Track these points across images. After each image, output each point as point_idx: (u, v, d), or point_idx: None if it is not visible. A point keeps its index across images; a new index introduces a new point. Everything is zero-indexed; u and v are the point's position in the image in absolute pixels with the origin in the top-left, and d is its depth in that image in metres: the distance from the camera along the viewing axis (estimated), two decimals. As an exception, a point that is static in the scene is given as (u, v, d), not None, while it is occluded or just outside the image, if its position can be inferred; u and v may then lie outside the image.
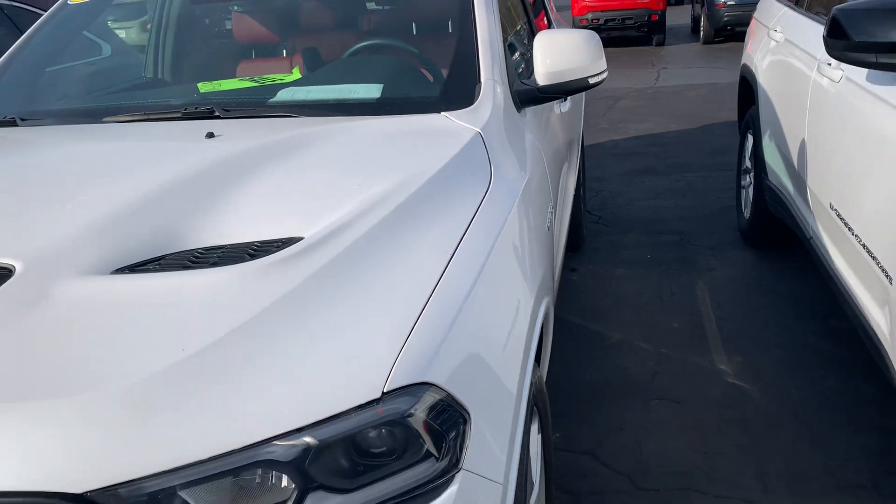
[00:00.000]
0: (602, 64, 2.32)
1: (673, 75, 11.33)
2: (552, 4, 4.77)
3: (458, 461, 1.21)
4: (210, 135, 1.87)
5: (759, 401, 2.96)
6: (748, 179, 4.53)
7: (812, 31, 3.33)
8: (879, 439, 2.67)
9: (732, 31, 13.97)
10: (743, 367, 3.20)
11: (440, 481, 1.19)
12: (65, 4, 2.80)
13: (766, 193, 3.99)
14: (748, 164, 4.53)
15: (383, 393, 1.14)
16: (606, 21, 14.81)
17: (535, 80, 2.29)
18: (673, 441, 2.76)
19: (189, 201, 1.52)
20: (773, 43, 3.96)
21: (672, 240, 4.67)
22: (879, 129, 2.35)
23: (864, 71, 2.51)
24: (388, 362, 1.17)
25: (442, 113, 2.02)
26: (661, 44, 15.12)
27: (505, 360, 1.46)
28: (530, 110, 2.41)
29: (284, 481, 1.12)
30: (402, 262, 1.39)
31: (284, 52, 2.84)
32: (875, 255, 2.32)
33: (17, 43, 2.69)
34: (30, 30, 2.73)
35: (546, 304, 1.88)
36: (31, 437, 1.03)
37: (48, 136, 2.14)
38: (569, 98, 3.11)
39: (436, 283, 1.35)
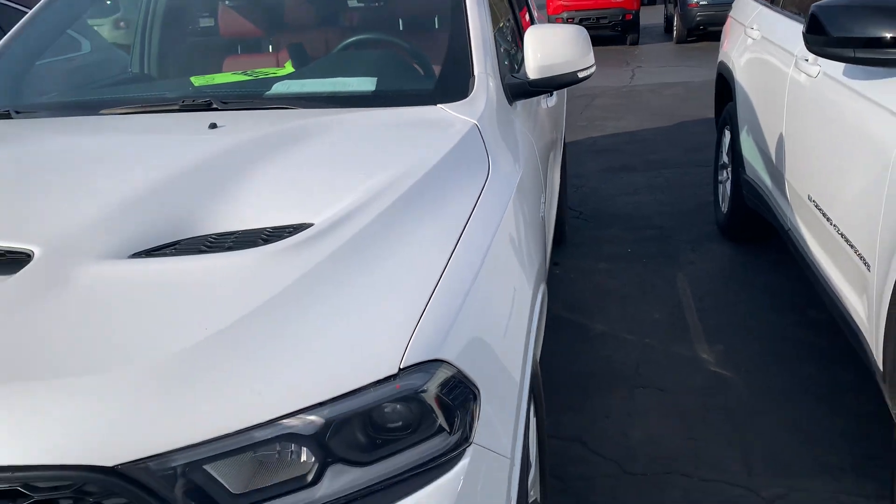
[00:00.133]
0: (590, 58, 2.38)
1: (647, 74, 11.47)
2: (533, 2, 4.84)
3: (469, 435, 1.26)
4: (213, 125, 1.90)
5: (741, 389, 3.04)
6: (725, 175, 4.63)
7: (789, 29, 3.42)
8: (858, 424, 2.76)
9: (705, 31, 14.19)
10: (724, 356, 3.28)
11: (452, 454, 1.23)
12: None
13: (744, 188, 4.09)
14: (725, 159, 4.63)
15: (400, 369, 1.18)
16: (581, 20, 14.92)
17: (525, 73, 2.34)
18: (658, 428, 2.83)
19: (199, 189, 1.56)
20: (750, 40, 4.06)
21: (652, 234, 4.75)
22: (857, 122, 2.43)
23: (842, 66, 2.60)
24: (404, 340, 1.21)
25: (438, 105, 2.07)
26: (636, 43, 15.30)
27: (508, 342, 1.51)
28: (520, 104, 2.46)
29: (304, 455, 1.16)
30: (409, 248, 1.43)
31: (275, 46, 2.87)
32: (853, 243, 2.40)
33: (6, 37, 2.69)
34: (20, 23, 2.73)
35: (542, 290, 1.93)
36: (63, 412, 1.06)
37: (48, 127, 2.16)
38: (555, 93, 3.17)
39: (443, 267, 1.39)
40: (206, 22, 3.22)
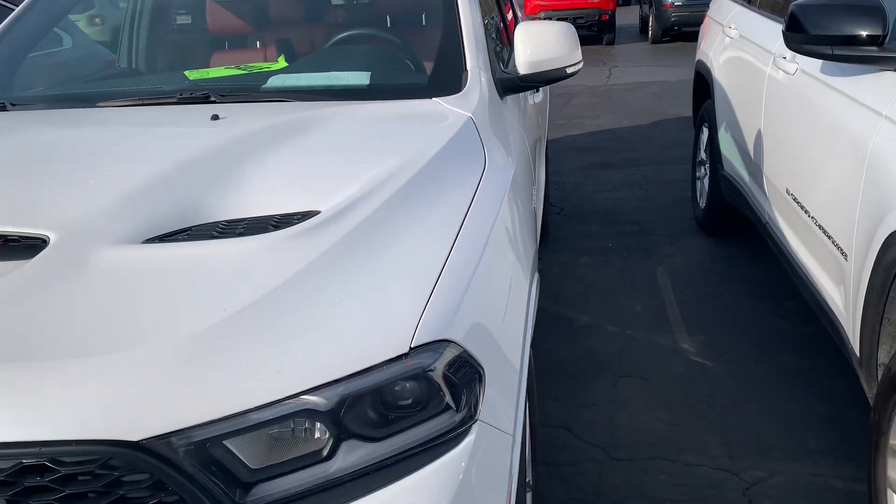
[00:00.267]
0: (578, 55, 2.44)
1: (624, 73, 11.60)
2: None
3: (474, 413, 1.31)
4: (215, 117, 1.94)
5: (721, 377, 3.12)
6: (703, 171, 4.72)
7: (766, 28, 3.52)
8: (834, 409, 2.86)
9: (679, 31, 14.38)
10: (704, 346, 3.37)
11: (459, 431, 1.28)
12: None
13: (722, 183, 4.18)
14: (703, 155, 4.73)
15: (411, 348, 1.23)
16: (558, 20, 15.02)
17: (515, 69, 2.40)
18: (642, 415, 2.90)
19: (207, 178, 1.60)
20: (728, 39, 4.15)
21: (632, 229, 4.84)
22: (834, 117, 2.52)
23: (819, 63, 2.69)
24: (414, 321, 1.26)
25: (433, 99, 2.12)
26: (612, 43, 15.45)
27: (508, 326, 1.56)
28: (510, 98, 2.52)
29: (319, 432, 1.20)
30: (413, 234, 1.48)
31: (267, 42, 2.90)
32: (831, 234, 2.49)
33: (-2, 31, 2.70)
34: (10, 17, 2.73)
35: (536, 279, 1.99)
36: (88, 390, 1.10)
37: (50, 118, 2.18)
38: (540, 90, 3.24)
39: (447, 254, 1.45)
40: (195, 17, 3.25)
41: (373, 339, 1.23)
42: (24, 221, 1.41)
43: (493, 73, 2.39)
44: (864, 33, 2.26)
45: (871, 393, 2.24)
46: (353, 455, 1.20)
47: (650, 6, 15.36)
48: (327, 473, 1.19)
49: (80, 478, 1.10)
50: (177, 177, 1.59)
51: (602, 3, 15.05)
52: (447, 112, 2.03)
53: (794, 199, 2.88)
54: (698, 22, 5.29)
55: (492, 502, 1.34)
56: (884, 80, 2.27)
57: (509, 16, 4.27)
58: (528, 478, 1.90)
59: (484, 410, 1.34)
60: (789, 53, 2.92)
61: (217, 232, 1.42)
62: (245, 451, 1.16)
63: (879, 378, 2.13)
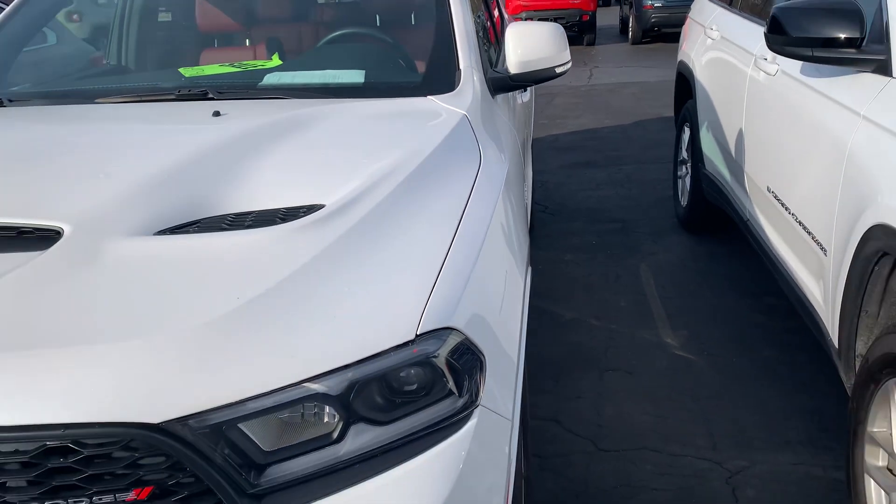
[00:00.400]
0: (567, 55, 2.50)
1: (605, 74, 11.72)
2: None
3: (476, 398, 1.37)
4: (217, 113, 1.98)
5: (705, 370, 3.20)
6: (685, 170, 4.81)
7: (747, 30, 3.60)
8: (813, 400, 2.94)
9: (659, 32, 14.53)
10: (687, 340, 3.45)
11: (461, 415, 1.34)
12: None
13: (704, 182, 4.27)
14: (685, 155, 4.81)
15: (416, 335, 1.29)
16: (539, 20, 15.12)
17: (505, 68, 2.45)
18: (628, 407, 2.97)
19: (213, 172, 1.64)
20: (709, 41, 4.24)
21: (615, 227, 4.92)
22: (813, 117, 2.60)
23: (799, 64, 2.77)
24: (419, 309, 1.32)
25: (428, 97, 2.17)
26: (592, 43, 15.57)
27: (505, 317, 1.62)
28: (500, 97, 2.58)
29: (329, 416, 1.25)
30: (415, 227, 1.54)
31: (258, 39, 2.93)
32: (811, 230, 2.57)
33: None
34: (3, 15, 2.75)
35: (529, 272, 2.05)
36: (110, 375, 1.14)
37: (49, 114, 2.20)
38: (528, 89, 3.30)
39: (448, 246, 1.50)
40: (186, 15, 3.27)
41: (380, 326, 1.28)
42: (38, 214, 1.44)
43: (485, 72, 2.45)
44: (842, 36, 2.35)
45: (849, 383, 2.32)
46: (361, 438, 1.25)
47: (630, 7, 15.51)
48: (337, 456, 1.24)
49: (101, 460, 1.14)
50: (184, 171, 1.63)
51: (583, 3, 15.18)
52: (442, 109, 2.09)
53: (775, 197, 2.96)
54: (678, 23, 5.37)
55: (492, 484, 1.40)
56: (861, 81, 2.35)
57: (495, 14, 4.33)
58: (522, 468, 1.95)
59: (484, 396, 1.39)
60: (770, 55, 3.00)
61: (226, 224, 1.47)
62: (259, 434, 1.21)
63: (857, 368, 2.21)
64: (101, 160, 1.73)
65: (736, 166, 3.58)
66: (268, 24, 2.94)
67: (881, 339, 2.02)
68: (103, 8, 4.04)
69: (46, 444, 1.12)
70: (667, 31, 14.11)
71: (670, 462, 2.64)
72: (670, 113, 5.58)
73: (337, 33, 2.63)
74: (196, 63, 2.75)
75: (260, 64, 2.57)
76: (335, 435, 1.24)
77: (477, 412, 1.36)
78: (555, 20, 15.09)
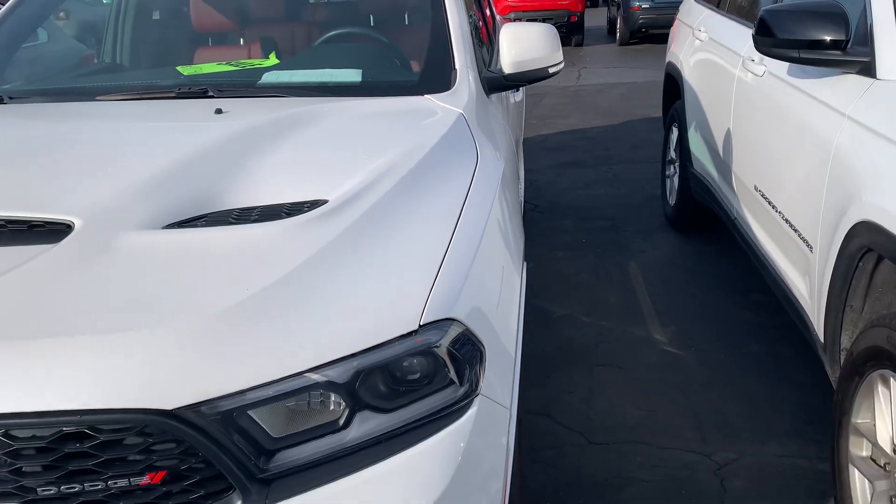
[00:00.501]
0: (560, 55, 2.56)
1: (593, 74, 11.79)
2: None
3: (476, 387, 1.41)
4: (219, 111, 2.02)
5: (693, 365, 3.26)
6: (673, 169, 4.88)
7: (735, 31, 3.67)
8: (799, 393, 3.01)
9: (647, 34, 14.63)
10: (676, 336, 3.51)
11: (462, 404, 1.39)
12: None
13: (692, 181, 4.34)
14: (673, 154, 4.88)
15: (420, 325, 1.33)
16: (528, 21, 15.18)
17: (500, 68, 2.50)
18: (618, 401, 3.03)
19: (218, 168, 1.68)
20: (697, 42, 4.30)
21: (604, 225, 4.99)
22: (800, 117, 2.66)
23: (786, 66, 2.83)
24: (422, 300, 1.36)
25: (425, 95, 2.22)
26: (580, 44, 15.65)
27: (503, 310, 1.67)
28: (494, 96, 2.63)
29: (335, 403, 1.30)
30: (416, 222, 1.58)
31: (253, 38, 2.97)
32: (797, 227, 2.63)
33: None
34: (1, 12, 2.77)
35: (525, 266, 2.10)
36: (124, 363, 1.18)
37: (51, 111, 2.23)
38: (520, 89, 3.35)
39: (448, 241, 1.55)
40: (181, 13, 3.30)
41: (384, 317, 1.33)
42: (49, 208, 1.48)
43: (480, 71, 2.49)
44: (828, 38, 2.41)
45: (834, 376, 2.38)
46: (366, 425, 1.30)
47: (618, 8, 15.60)
48: (342, 442, 1.28)
49: (115, 445, 1.18)
50: (190, 168, 1.67)
51: (571, 4, 15.25)
52: (439, 108, 2.13)
53: (762, 196, 3.02)
54: (666, 24, 5.43)
55: (491, 469, 1.45)
56: (846, 82, 2.41)
57: (487, 14, 4.38)
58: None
59: (484, 386, 1.44)
60: (757, 56, 3.06)
61: (233, 219, 1.51)
62: (268, 421, 1.25)
63: (842, 362, 2.27)
64: (107, 156, 1.77)
65: (723, 166, 3.64)
66: (262, 24, 2.98)
67: (865, 333, 2.08)
68: (90, 6, 4.07)
69: (63, 430, 1.16)
70: (654, 33, 14.21)
71: (660, 454, 2.70)
72: (658, 113, 5.64)
73: (333, 33, 2.67)
74: (191, 62, 2.79)
75: (258, 63, 2.61)
76: (341, 422, 1.29)
77: (477, 401, 1.41)
78: (543, 21, 15.20)
